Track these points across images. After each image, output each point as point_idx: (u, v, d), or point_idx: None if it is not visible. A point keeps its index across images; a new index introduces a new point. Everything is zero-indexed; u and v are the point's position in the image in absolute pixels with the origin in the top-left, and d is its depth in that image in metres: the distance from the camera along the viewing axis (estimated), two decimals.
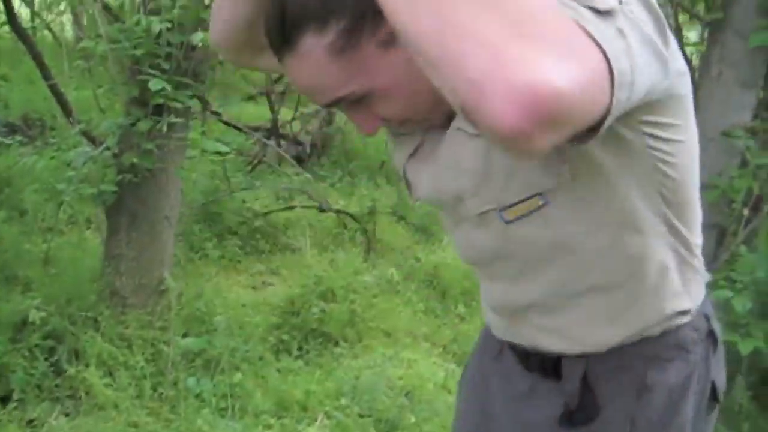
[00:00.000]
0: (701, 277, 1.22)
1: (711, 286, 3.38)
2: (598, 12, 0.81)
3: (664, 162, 1.04)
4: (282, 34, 0.99)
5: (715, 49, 3.16)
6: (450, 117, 1.08)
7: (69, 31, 8.31)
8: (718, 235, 3.54)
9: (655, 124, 1.01)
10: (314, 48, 0.98)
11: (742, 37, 3.06)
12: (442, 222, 1.27)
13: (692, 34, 6.04)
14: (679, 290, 1.16)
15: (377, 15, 0.92)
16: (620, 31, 0.81)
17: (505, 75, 0.68)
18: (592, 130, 0.80)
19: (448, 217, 1.20)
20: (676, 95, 1.02)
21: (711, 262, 3.50)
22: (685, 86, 1.04)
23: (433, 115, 1.08)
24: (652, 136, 1.01)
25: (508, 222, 1.09)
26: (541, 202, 1.05)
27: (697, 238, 1.19)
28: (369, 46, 0.98)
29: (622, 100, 0.80)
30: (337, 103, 1.04)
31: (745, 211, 3.41)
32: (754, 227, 3.68)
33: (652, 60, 0.87)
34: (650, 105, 0.97)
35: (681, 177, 1.08)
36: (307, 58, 0.99)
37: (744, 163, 3.24)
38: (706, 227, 3.59)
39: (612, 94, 0.77)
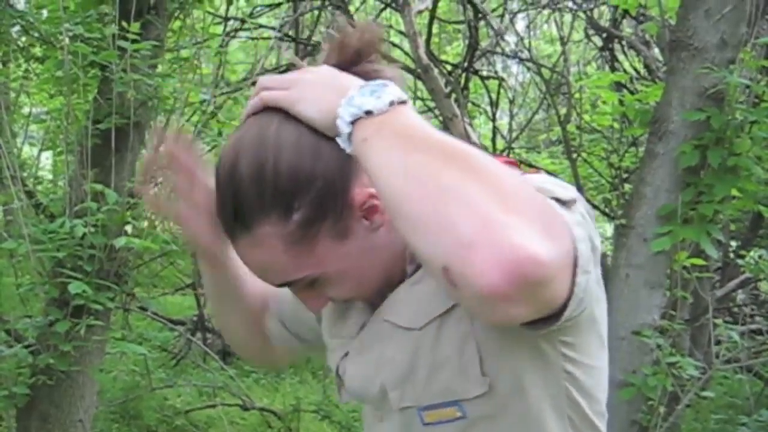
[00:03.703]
0: None
1: None
2: (562, 202, 0.89)
3: (577, 386, 1.05)
4: (239, 217, 0.99)
5: (621, 252, 3.33)
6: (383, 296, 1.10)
7: None
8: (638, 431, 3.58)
9: (571, 346, 1.03)
10: (271, 236, 0.98)
11: (645, 241, 3.24)
12: (364, 420, 1.24)
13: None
14: None
15: (337, 210, 0.98)
16: (579, 222, 0.88)
17: (495, 239, 0.75)
18: (554, 317, 0.86)
19: (373, 410, 1.16)
20: (592, 319, 1.05)
21: None
22: (602, 312, 1.08)
23: (376, 297, 1.10)
24: (567, 358, 1.03)
25: (426, 424, 1.06)
26: (458, 414, 1.03)
27: None
28: (325, 239, 0.99)
29: (582, 285, 0.86)
30: (287, 285, 1.05)
31: (662, 408, 3.47)
32: (672, 423, 3.74)
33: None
34: (571, 326, 1.00)
35: (589, 403, 1.08)
36: (261, 244, 0.99)
37: (657, 361, 3.34)
38: (626, 424, 3.60)
39: (574, 276, 0.84)
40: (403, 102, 0.92)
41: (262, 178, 0.96)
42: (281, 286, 1.07)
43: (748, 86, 3.11)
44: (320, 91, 0.97)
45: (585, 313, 1.00)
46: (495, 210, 0.78)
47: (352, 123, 0.91)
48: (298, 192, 0.96)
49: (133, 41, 3.06)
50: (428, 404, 1.04)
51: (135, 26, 3.07)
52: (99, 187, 3.10)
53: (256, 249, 1.00)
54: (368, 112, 0.90)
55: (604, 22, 6.27)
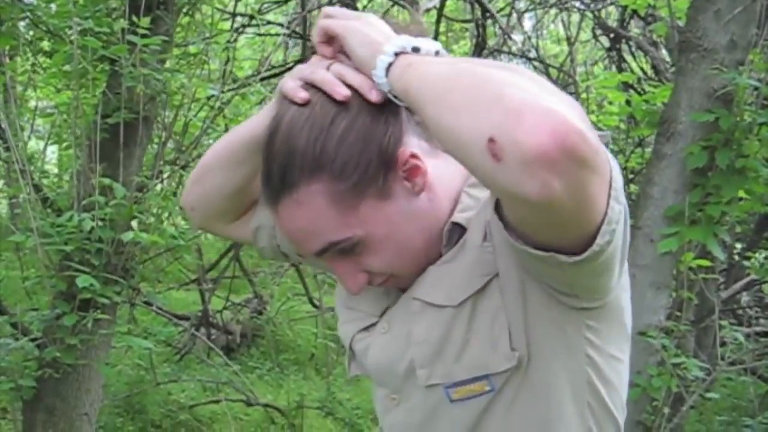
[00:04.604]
0: None
1: None
2: None
3: (598, 373, 1.06)
4: (287, 175, 0.99)
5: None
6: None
7: (3, 208, 8.27)
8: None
9: (596, 331, 1.04)
10: (317, 195, 0.99)
11: (652, 241, 3.24)
12: (376, 403, 1.23)
13: None
14: None
15: (383, 170, 1.00)
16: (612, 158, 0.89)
17: (545, 108, 0.77)
18: (586, 250, 0.87)
19: (389, 395, 1.17)
20: (618, 307, 1.06)
21: None
22: (627, 302, 1.09)
23: (414, 276, 1.10)
24: (590, 342, 1.04)
25: (453, 401, 1.07)
26: (487, 388, 1.05)
27: None
28: (369, 198, 1.00)
29: (615, 211, 0.86)
30: (327, 249, 1.04)
31: (666, 409, 3.47)
32: (676, 424, 3.74)
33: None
34: (597, 309, 1.02)
35: (609, 392, 1.08)
36: (307, 204, 1.00)
37: (662, 362, 3.34)
38: (630, 425, 3.61)
39: (609, 197, 0.85)
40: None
41: (321, 138, 0.98)
42: (320, 255, 1.05)
43: (757, 88, 3.11)
44: (372, 30, 1.01)
45: (613, 296, 1.02)
46: (543, 93, 0.80)
47: (396, 55, 0.95)
48: (354, 153, 0.98)
49: (143, 36, 3.06)
50: (458, 380, 1.06)
51: (145, 21, 3.07)
52: (107, 181, 3.10)
53: (301, 209, 1.01)
54: (415, 49, 0.96)
55: (612, 22, 6.27)
